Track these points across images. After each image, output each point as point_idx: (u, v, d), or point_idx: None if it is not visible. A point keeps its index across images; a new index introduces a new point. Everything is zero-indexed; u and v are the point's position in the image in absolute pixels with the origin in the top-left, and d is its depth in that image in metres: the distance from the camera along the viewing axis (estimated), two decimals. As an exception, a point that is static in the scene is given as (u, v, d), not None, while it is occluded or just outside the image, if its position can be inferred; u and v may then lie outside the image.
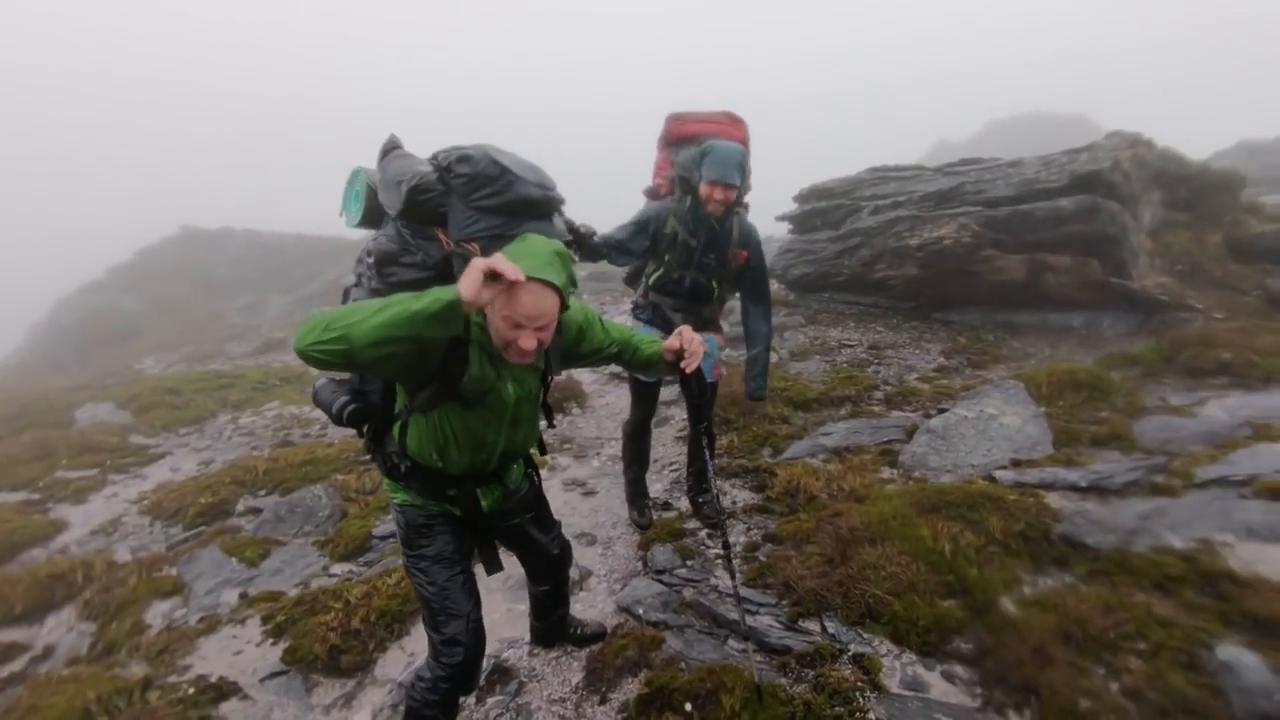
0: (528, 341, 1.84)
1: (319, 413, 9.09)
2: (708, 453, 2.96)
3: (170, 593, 4.38)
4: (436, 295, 1.71)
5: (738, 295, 3.97)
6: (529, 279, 1.80)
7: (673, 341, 2.22)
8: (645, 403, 4.12)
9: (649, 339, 2.37)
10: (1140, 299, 6.65)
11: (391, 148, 2.49)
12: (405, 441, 2.14)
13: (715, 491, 2.86)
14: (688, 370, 2.21)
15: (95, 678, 3.39)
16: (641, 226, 3.68)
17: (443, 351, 1.92)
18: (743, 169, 3.44)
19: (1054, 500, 3.62)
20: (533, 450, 2.47)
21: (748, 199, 3.78)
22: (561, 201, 2.42)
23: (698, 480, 4.30)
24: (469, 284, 1.71)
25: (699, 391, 2.41)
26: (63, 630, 4.27)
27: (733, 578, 2.78)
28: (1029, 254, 7.07)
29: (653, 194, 3.94)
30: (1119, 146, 7.30)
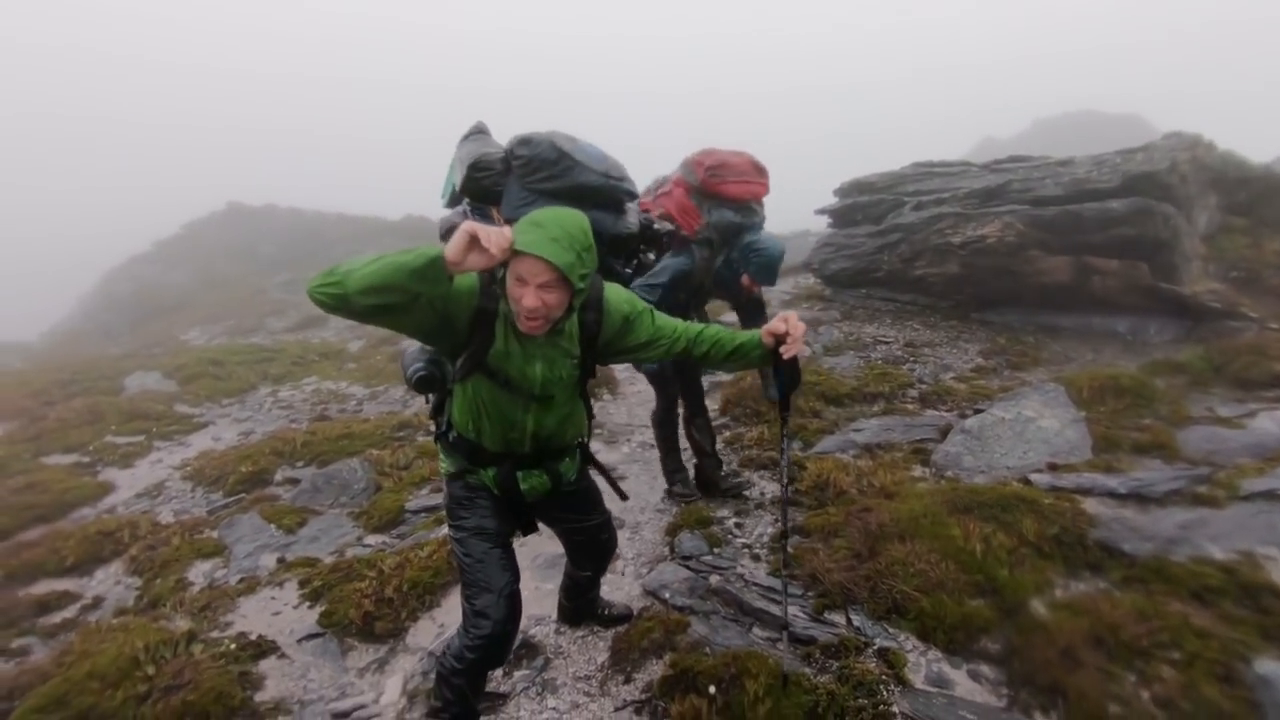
0: (530, 299, 1.85)
1: (355, 388, 9.31)
2: (785, 440, 2.88)
3: (211, 554, 4.54)
4: (423, 251, 1.75)
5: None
6: (523, 253, 1.81)
7: (777, 324, 2.10)
8: (667, 393, 4.28)
9: (731, 331, 2.24)
10: (1190, 305, 6.46)
11: (473, 132, 2.57)
12: (452, 410, 2.22)
13: (786, 477, 2.77)
14: (786, 356, 2.11)
15: (143, 628, 3.54)
16: (673, 279, 3.79)
17: (468, 320, 1.97)
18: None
19: (1091, 506, 3.55)
20: (589, 444, 2.48)
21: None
22: (630, 194, 2.46)
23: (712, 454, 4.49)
24: (453, 244, 1.75)
25: (793, 380, 2.26)
26: (110, 583, 4.47)
27: (785, 561, 2.83)
28: (1075, 255, 6.90)
29: (653, 208, 3.90)
30: (1177, 148, 7.07)
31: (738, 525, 3.99)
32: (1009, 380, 5.92)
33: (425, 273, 1.74)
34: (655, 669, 2.86)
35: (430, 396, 2.40)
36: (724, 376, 7.01)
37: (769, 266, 3.81)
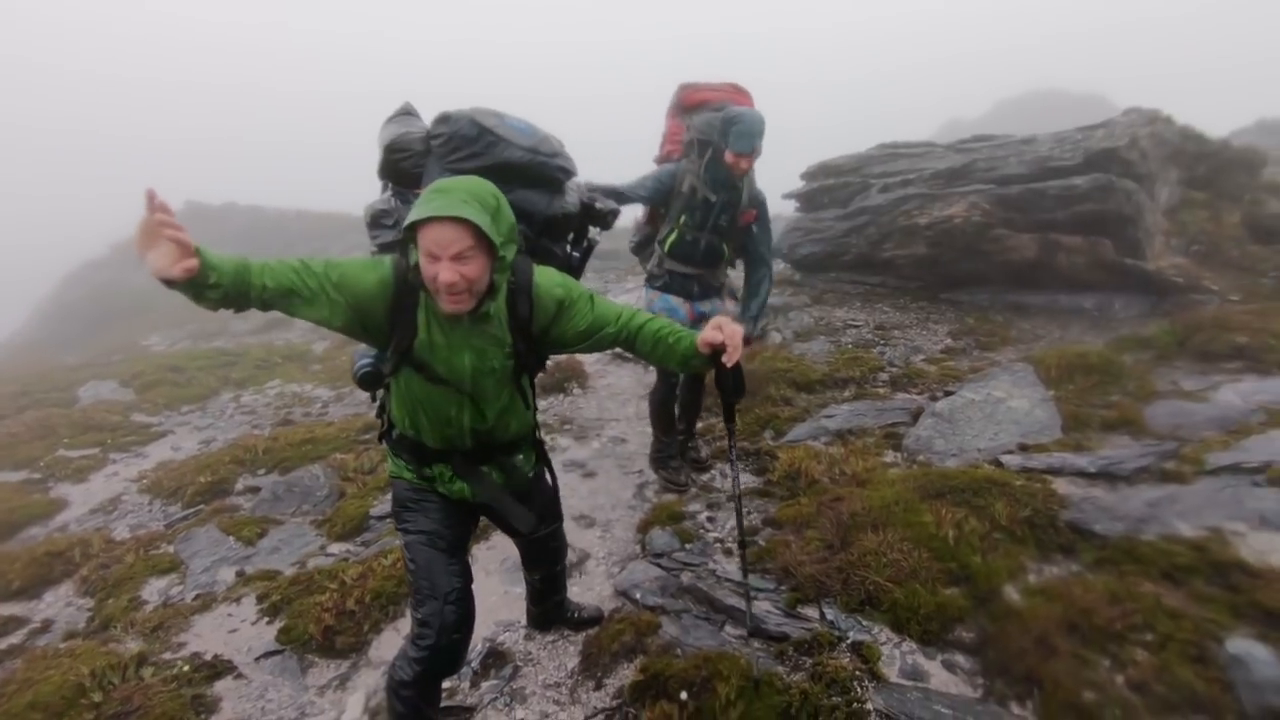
0: (446, 274, 1.72)
1: (320, 390, 9.08)
2: (732, 451, 2.82)
3: (167, 570, 4.37)
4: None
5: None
6: (433, 219, 1.70)
7: (711, 335, 1.94)
8: (669, 376, 4.24)
9: (674, 327, 2.08)
10: (1154, 280, 6.51)
11: (399, 113, 2.45)
12: (391, 407, 2.16)
13: (738, 487, 2.73)
14: (728, 365, 1.97)
15: (90, 653, 3.37)
16: (651, 187, 3.82)
17: (386, 312, 1.88)
18: (763, 134, 3.61)
19: (1061, 486, 3.54)
20: (543, 439, 2.40)
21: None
22: (564, 170, 2.33)
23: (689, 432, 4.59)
24: (136, 230, 1.59)
25: (736, 388, 2.16)
26: (60, 605, 4.27)
27: (744, 574, 2.80)
28: (1041, 233, 6.92)
29: (669, 161, 4.08)
30: (1137, 123, 7.11)
31: (709, 519, 3.92)
32: (978, 361, 5.92)
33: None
34: (626, 673, 2.79)
35: (377, 395, 2.31)
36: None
37: (747, 132, 3.54)
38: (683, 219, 3.81)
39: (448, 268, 1.73)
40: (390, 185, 2.38)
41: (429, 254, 1.74)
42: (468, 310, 1.84)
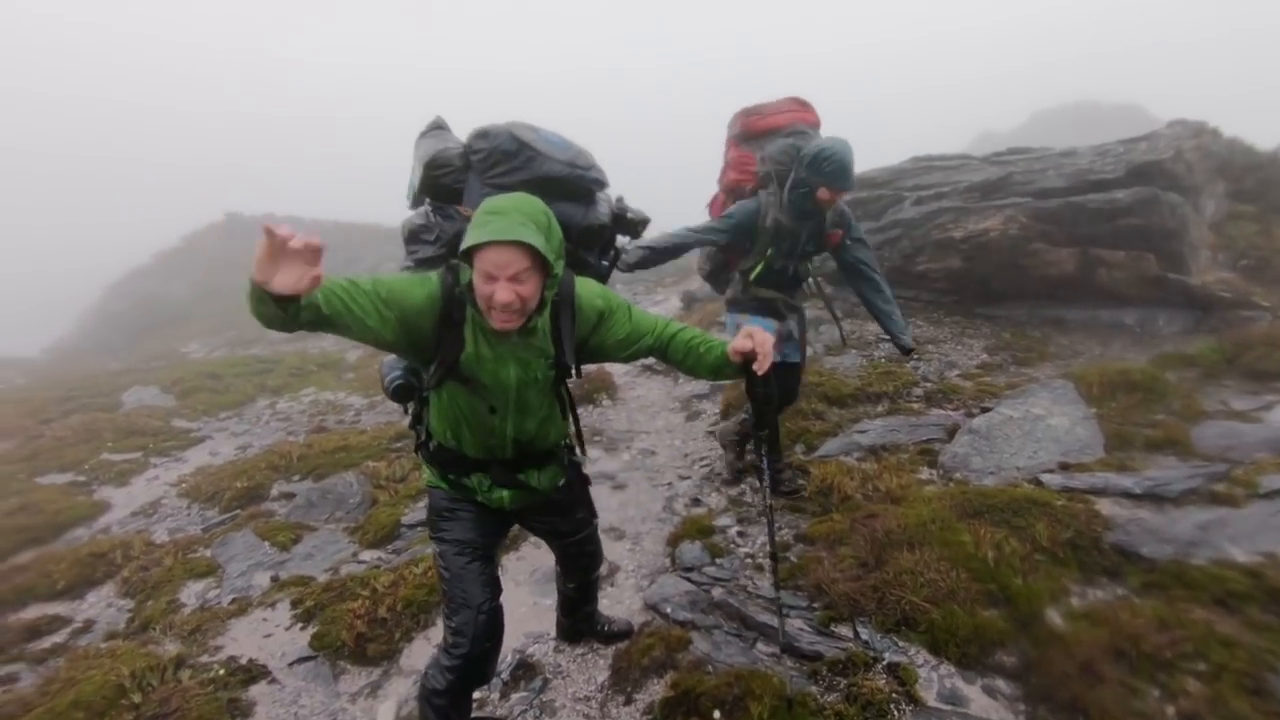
0: (503, 294, 1.75)
1: (354, 399, 9.22)
2: (765, 462, 2.79)
3: (204, 573, 4.45)
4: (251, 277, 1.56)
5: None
6: (486, 245, 1.71)
7: (742, 343, 1.94)
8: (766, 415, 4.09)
9: (705, 337, 2.10)
10: (1199, 296, 6.32)
11: (431, 128, 2.47)
12: (429, 419, 2.17)
13: (771, 515, 2.68)
14: (759, 373, 1.96)
15: (130, 653, 3.45)
16: (732, 227, 3.72)
17: (433, 328, 1.88)
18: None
19: (1105, 507, 3.43)
20: (574, 449, 2.40)
21: None
22: (598, 182, 2.35)
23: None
24: (255, 260, 1.50)
25: (766, 397, 2.17)
26: (102, 606, 4.37)
27: (775, 588, 2.75)
28: (1080, 248, 6.76)
29: (735, 190, 4.00)
30: (1182, 135, 6.94)
31: (740, 534, 3.89)
32: (1016, 377, 5.80)
33: (259, 301, 1.55)
34: (656, 689, 2.76)
35: (409, 406, 2.32)
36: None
37: (842, 168, 3.38)
38: (770, 251, 3.71)
39: (505, 288, 1.75)
40: (429, 201, 2.38)
41: (486, 275, 1.76)
42: (517, 327, 1.86)
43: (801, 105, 3.93)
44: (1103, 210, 6.57)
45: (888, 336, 3.88)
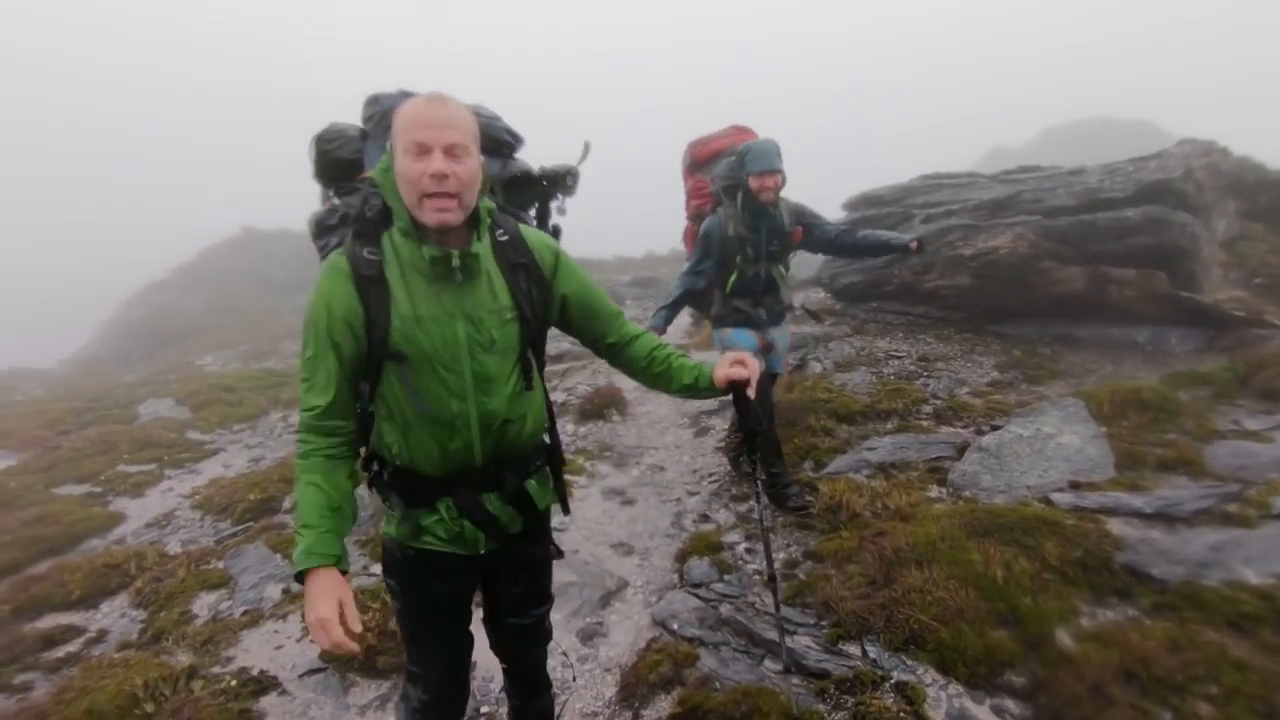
0: (438, 163, 1.50)
1: (365, 412, 9.29)
2: (758, 484, 2.84)
3: (217, 585, 4.49)
4: (298, 551, 1.57)
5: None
6: (423, 104, 1.55)
7: (735, 371, 1.80)
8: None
9: (671, 349, 1.92)
10: (1211, 314, 6.29)
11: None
12: (377, 440, 1.77)
13: (767, 536, 2.67)
14: (751, 396, 1.87)
15: (144, 664, 3.48)
16: (705, 250, 4.02)
17: (358, 299, 1.60)
18: (780, 156, 3.83)
19: (1116, 527, 3.42)
20: (562, 455, 2.00)
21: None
22: (509, 132, 2.19)
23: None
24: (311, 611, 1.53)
25: (758, 420, 2.07)
26: (115, 616, 4.42)
27: (776, 607, 2.73)
28: (1090, 266, 6.76)
29: (700, 216, 4.34)
30: (1192, 154, 6.94)
31: (748, 551, 3.89)
32: (1026, 395, 5.78)
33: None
34: (664, 705, 2.77)
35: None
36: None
37: (762, 153, 3.78)
38: (738, 259, 3.96)
39: (440, 157, 1.51)
40: (333, 189, 2.05)
41: (417, 148, 1.52)
42: (456, 223, 1.59)
43: (741, 130, 4.24)
44: (1112, 228, 6.58)
45: (895, 253, 4.21)
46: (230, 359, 17.66)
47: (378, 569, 4.40)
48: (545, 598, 2.09)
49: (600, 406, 6.77)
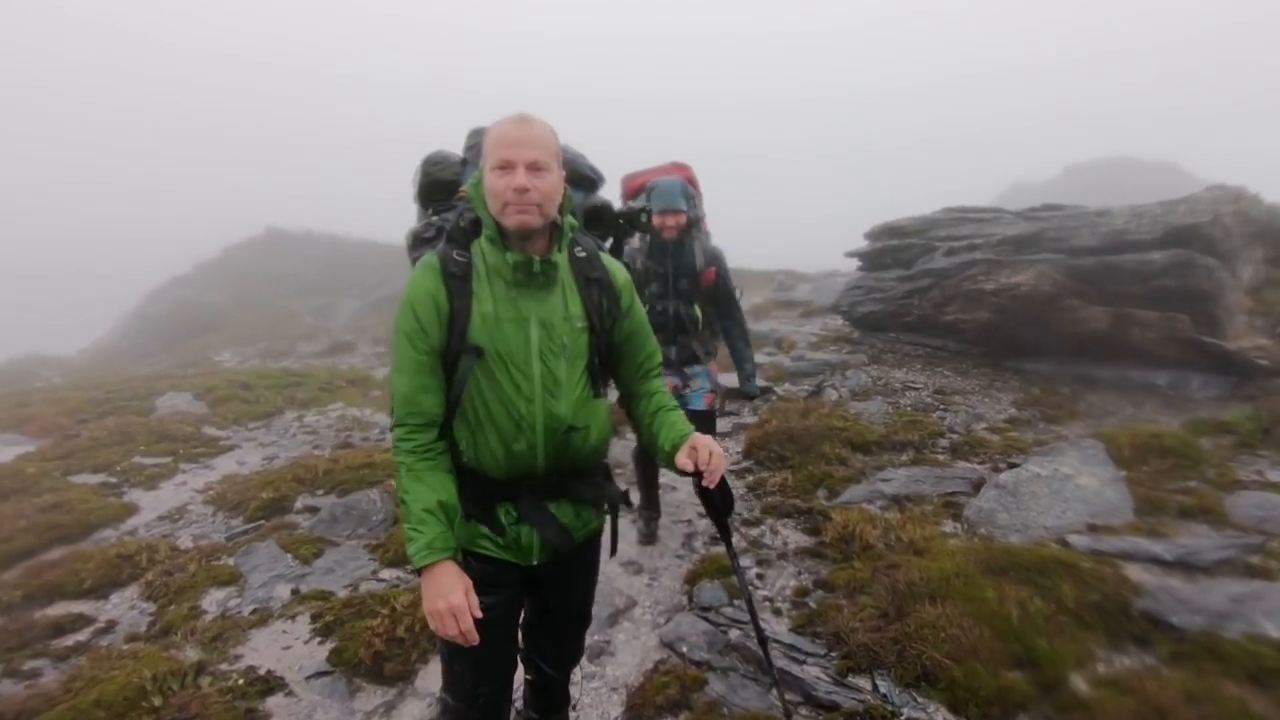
0: (520, 178, 1.63)
1: (380, 416, 9.33)
2: (736, 562, 2.71)
3: (226, 582, 4.51)
4: (418, 545, 1.64)
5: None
6: (509, 126, 1.68)
7: (683, 461, 1.76)
8: None
9: (679, 415, 1.92)
10: (1235, 361, 6.23)
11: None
12: (453, 431, 1.81)
13: (755, 614, 2.44)
14: (710, 486, 1.76)
15: (152, 657, 3.50)
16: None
17: (446, 298, 1.72)
18: (686, 196, 3.92)
19: (1134, 572, 3.38)
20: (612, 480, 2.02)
21: (708, 226, 4.26)
22: (593, 169, 2.31)
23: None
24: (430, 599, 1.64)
25: (724, 507, 1.88)
26: (125, 608, 4.44)
27: (757, 627, 2.54)
28: (1113, 306, 6.72)
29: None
30: (1221, 200, 6.91)
31: (759, 576, 3.87)
32: (1044, 434, 5.74)
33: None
34: (670, 729, 2.74)
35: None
36: (748, 417, 6.92)
37: (661, 192, 3.86)
38: (647, 293, 3.99)
39: (522, 173, 1.64)
40: (432, 209, 2.21)
41: (502, 164, 1.65)
42: (536, 225, 1.70)
43: (677, 167, 4.23)
44: (1137, 270, 6.55)
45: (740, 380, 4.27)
46: (248, 356, 17.86)
47: (387, 574, 4.42)
48: (586, 617, 2.14)
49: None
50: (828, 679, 2.91)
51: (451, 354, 1.72)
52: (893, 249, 9.36)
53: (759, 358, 9.22)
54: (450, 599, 1.60)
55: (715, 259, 4.07)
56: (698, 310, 4.06)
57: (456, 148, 2.26)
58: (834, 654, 3.09)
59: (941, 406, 6.60)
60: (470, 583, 1.66)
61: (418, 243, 2.08)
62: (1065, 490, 4.27)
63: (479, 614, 1.63)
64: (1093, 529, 3.88)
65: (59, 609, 4.41)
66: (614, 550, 2.06)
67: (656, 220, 3.85)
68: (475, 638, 1.62)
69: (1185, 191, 7.73)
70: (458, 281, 1.72)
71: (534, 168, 1.65)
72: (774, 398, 7.47)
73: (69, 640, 4.09)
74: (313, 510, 5.64)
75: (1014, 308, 7.27)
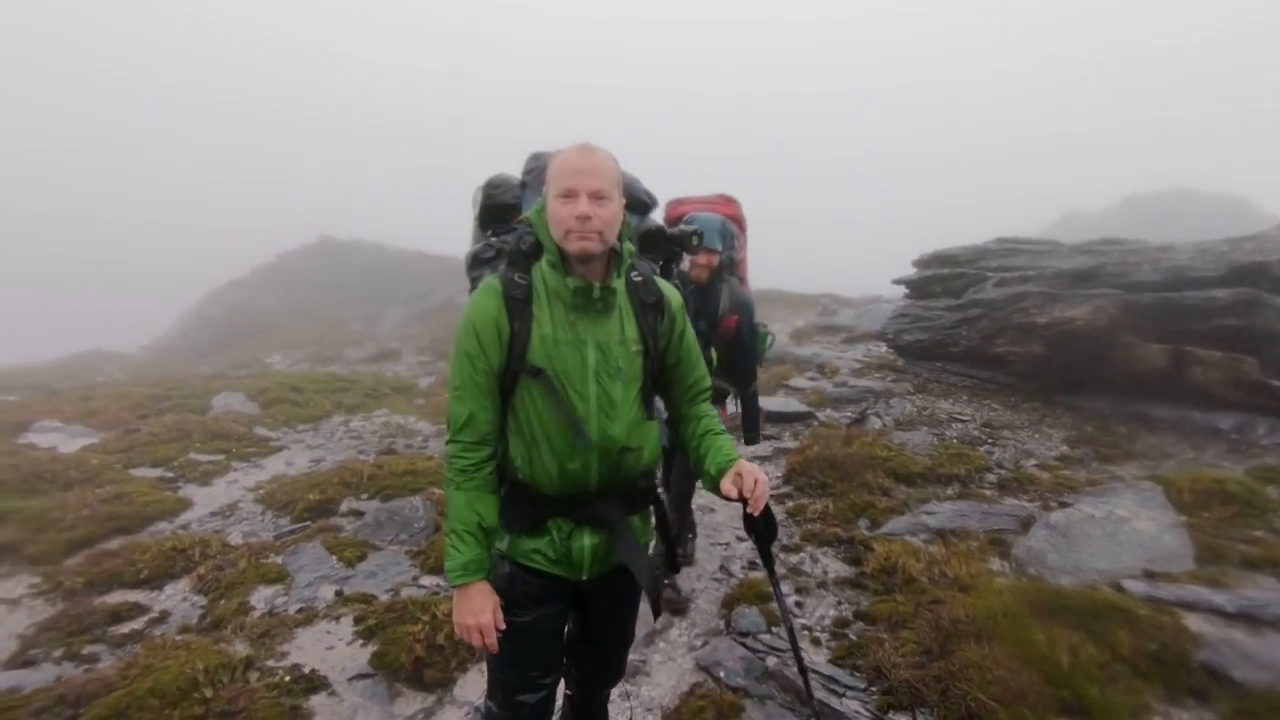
0: (582, 206, 1.68)
1: (423, 424, 9.52)
2: (778, 589, 2.65)
3: (274, 580, 4.63)
4: (455, 563, 1.77)
5: None
6: (564, 172, 1.73)
7: (727, 487, 1.77)
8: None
9: (726, 439, 1.93)
10: (1305, 407, 5.97)
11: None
12: (507, 449, 1.86)
13: (795, 643, 2.35)
14: (754, 513, 1.79)
15: (204, 649, 3.61)
16: None
17: (507, 321, 1.77)
18: (723, 236, 3.70)
19: (1193, 622, 3.25)
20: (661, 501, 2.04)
21: (748, 268, 4.11)
22: (648, 194, 2.38)
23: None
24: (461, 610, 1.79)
25: (768, 534, 1.90)
26: (178, 599, 4.60)
27: (798, 656, 2.48)
28: (1173, 344, 6.51)
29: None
30: (1290, 238, 6.67)
31: (798, 604, 3.83)
32: (1097, 473, 5.57)
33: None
34: (706, 754, 2.73)
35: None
36: (789, 441, 6.86)
37: (708, 228, 3.59)
38: None
39: (585, 201, 1.69)
40: (491, 229, 2.31)
41: (566, 193, 1.71)
42: (596, 251, 1.74)
43: (724, 200, 4.06)
44: (1199, 308, 6.35)
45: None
46: (298, 359, 18.39)
47: (427, 581, 4.50)
48: (630, 634, 2.16)
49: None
50: (868, 714, 2.86)
51: (510, 374, 1.78)
52: (942, 277, 9.24)
53: (800, 381, 9.16)
54: (480, 618, 1.76)
55: (741, 307, 3.85)
56: (714, 352, 3.86)
57: (499, 142, 2.33)
58: (874, 689, 3.03)
59: (989, 440, 6.45)
60: (499, 601, 1.79)
61: (477, 263, 2.17)
62: (1120, 533, 4.13)
63: (503, 628, 1.78)
64: (1150, 575, 3.75)
65: (117, 597, 4.58)
66: (672, 565, 2.16)
67: (687, 262, 3.67)
68: (496, 648, 1.78)
69: (1252, 227, 7.48)
70: (519, 304, 1.77)
71: (596, 196, 1.70)
72: (815, 423, 7.40)
73: (125, 628, 4.24)
74: (357, 514, 5.77)
75: (1067, 342, 7.10)
